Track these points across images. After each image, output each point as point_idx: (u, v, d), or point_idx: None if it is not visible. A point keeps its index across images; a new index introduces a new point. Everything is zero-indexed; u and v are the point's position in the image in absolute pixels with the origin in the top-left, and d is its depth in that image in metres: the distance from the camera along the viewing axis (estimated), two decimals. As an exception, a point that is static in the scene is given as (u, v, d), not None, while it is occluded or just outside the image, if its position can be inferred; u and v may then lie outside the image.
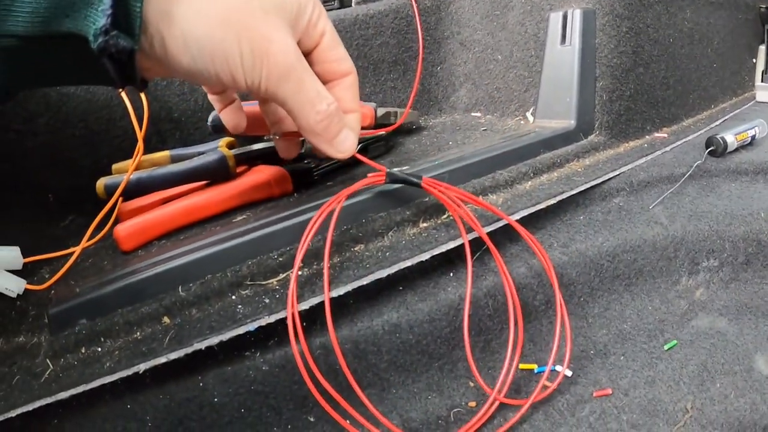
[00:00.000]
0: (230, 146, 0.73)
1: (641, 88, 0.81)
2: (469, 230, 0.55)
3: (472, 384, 0.52)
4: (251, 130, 0.73)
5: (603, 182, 0.68)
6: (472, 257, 0.53)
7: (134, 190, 0.68)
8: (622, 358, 0.55)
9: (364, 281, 0.50)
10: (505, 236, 0.59)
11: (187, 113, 0.83)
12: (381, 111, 0.81)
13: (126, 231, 0.62)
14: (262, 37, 0.42)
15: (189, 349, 0.46)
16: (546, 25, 0.80)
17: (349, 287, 0.50)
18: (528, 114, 0.83)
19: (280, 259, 0.53)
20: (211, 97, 0.58)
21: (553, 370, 0.53)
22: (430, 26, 0.97)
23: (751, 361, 0.54)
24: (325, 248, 0.49)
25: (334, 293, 0.49)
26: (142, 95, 0.76)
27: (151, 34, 0.39)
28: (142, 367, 0.46)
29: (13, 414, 0.45)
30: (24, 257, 0.62)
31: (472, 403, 0.51)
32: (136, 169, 0.69)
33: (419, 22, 0.95)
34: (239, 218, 0.62)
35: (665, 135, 0.83)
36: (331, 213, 0.51)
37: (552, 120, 0.77)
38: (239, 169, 0.70)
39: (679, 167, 0.73)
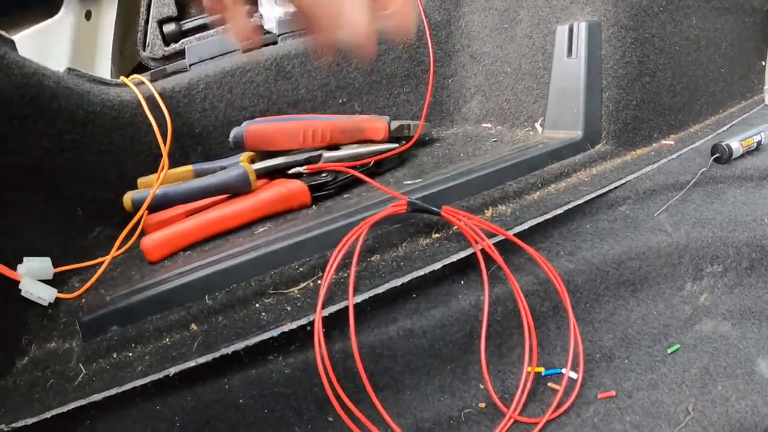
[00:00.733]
0: (251, 161, 0.76)
1: (648, 97, 0.82)
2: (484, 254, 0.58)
3: (482, 386, 0.55)
4: (269, 145, 0.76)
5: (609, 191, 0.70)
6: (487, 271, 0.56)
7: (160, 203, 0.71)
8: (626, 361, 0.57)
9: (380, 290, 0.53)
10: (515, 246, 0.61)
11: (209, 129, 0.87)
12: (395, 124, 0.84)
13: (153, 243, 0.65)
14: None
15: (217, 354, 0.49)
16: (553, 37, 0.82)
17: (366, 295, 0.53)
18: (537, 125, 0.85)
19: (301, 269, 0.56)
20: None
21: (558, 373, 0.55)
22: (440, 40, 1.00)
23: (753, 364, 0.55)
24: (351, 268, 0.53)
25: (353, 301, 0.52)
26: (166, 112, 0.80)
27: None
28: (172, 370, 0.49)
29: (47, 415, 0.48)
30: (54, 267, 0.65)
31: (482, 405, 0.53)
32: (162, 183, 0.73)
33: (430, 36, 0.98)
34: (260, 230, 0.65)
35: (672, 142, 0.84)
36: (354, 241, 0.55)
37: (560, 130, 0.79)
38: (259, 183, 0.73)
39: (684, 174, 0.74)
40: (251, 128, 0.79)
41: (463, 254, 0.57)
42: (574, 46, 0.78)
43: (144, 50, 1.14)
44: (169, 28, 1.13)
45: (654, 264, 0.64)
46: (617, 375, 0.55)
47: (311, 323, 0.51)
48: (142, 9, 1.12)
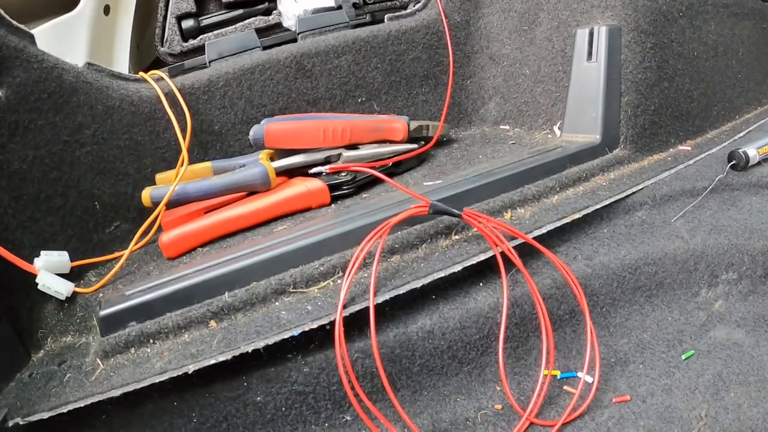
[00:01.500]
0: (270, 158, 0.77)
1: (665, 102, 0.82)
2: (504, 257, 0.58)
3: (498, 388, 0.55)
4: (289, 143, 0.76)
5: (627, 196, 0.70)
6: (506, 274, 0.56)
7: (178, 199, 0.72)
8: (641, 366, 0.57)
9: (401, 291, 0.54)
10: (533, 248, 0.61)
11: (228, 126, 0.87)
12: (414, 124, 0.84)
13: (171, 239, 0.66)
14: None
15: (237, 352, 0.50)
16: (573, 41, 0.82)
17: (387, 296, 0.53)
18: (555, 128, 0.85)
19: (321, 268, 0.56)
20: None
21: (574, 376, 0.55)
22: (460, 41, 1.00)
23: (766, 371, 0.56)
24: (373, 268, 0.53)
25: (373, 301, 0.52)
26: (185, 109, 0.80)
27: None
28: (191, 367, 0.49)
29: (64, 410, 0.48)
30: (71, 261, 0.65)
31: (498, 406, 0.54)
32: (181, 179, 0.73)
33: (449, 37, 0.98)
34: (280, 228, 0.66)
35: (689, 148, 0.84)
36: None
37: (578, 134, 0.79)
38: (278, 180, 0.73)
39: (701, 181, 0.75)
40: (271, 126, 0.80)
41: (483, 257, 0.57)
42: (594, 50, 0.78)
43: (162, 46, 1.15)
44: (187, 23, 1.14)
45: (670, 270, 0.65)
46: (632, 379, 0.56)
47: (331, 323, 0.51)
48: (161, 4, 1.13)
